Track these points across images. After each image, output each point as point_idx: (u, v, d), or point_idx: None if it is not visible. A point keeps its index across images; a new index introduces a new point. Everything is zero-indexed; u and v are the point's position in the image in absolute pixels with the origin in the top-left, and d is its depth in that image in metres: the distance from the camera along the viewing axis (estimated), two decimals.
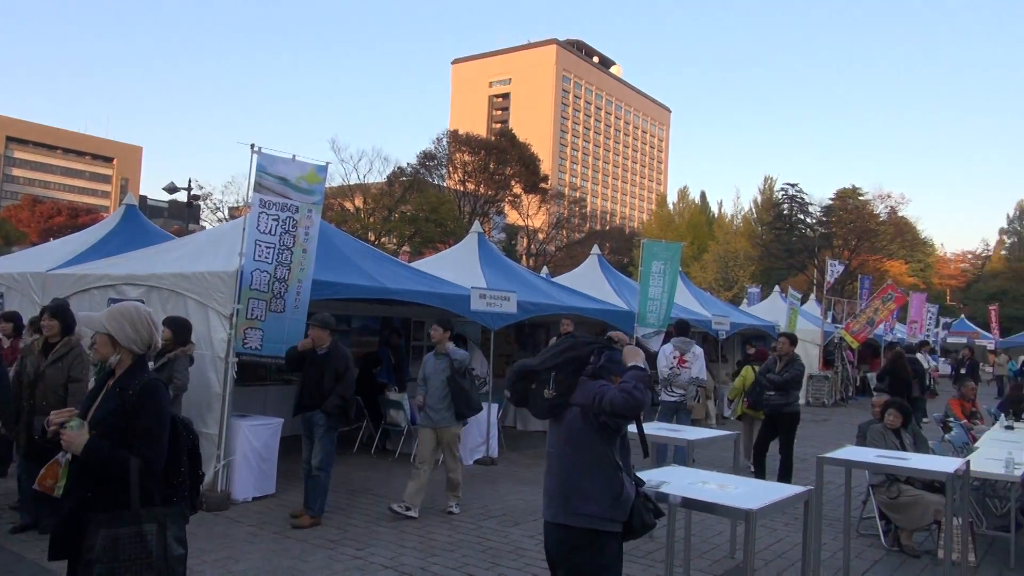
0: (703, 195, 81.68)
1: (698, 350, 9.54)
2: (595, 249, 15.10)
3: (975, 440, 8.90)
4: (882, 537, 6.79)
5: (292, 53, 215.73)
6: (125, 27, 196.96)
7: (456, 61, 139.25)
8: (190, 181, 29.44)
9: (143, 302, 6.32)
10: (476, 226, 12.42)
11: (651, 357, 13.16)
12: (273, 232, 7.26)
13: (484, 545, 6.27)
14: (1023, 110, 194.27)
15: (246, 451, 7.29)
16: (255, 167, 7.26)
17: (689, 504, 3.69)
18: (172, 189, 28.03)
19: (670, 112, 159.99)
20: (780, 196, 60.39)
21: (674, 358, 9.34)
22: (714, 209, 77.03)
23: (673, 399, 9.16)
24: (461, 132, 51.03)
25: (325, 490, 6.66)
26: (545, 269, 21.10)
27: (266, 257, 7.22)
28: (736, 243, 58.14)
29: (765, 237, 58.79)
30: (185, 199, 29.93)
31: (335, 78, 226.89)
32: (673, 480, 3.96)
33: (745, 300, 29.24)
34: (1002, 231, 79.65)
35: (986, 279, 62.98)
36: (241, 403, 8.19)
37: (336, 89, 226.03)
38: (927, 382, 20.45)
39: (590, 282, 13.75)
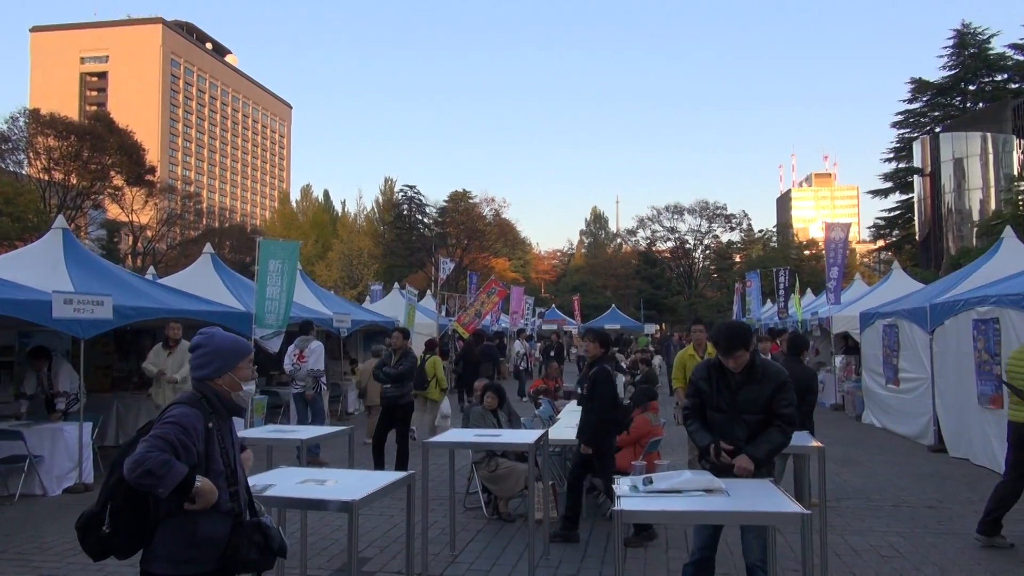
0: (327, 194, 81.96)
1: (315, 345, 11.01)
2: (208, 248, 14.19)
3: (559, 412, 10.33)
4: (484, 508, 7.51)
5: None
6: None
7: (36, 29, 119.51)
8: None
9: None
10: (60, 221, 10.76)
11: (272, 358, 12.88)
12: None
13: None
14: (598, 127, 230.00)
15: None
16: None
17: (293, 504, 3.67)
18: None
19: (291, 108, 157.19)
20: (400, 197, 63.16)
21: (295, 355, 10.88)
22: (338, 208, 77.75)
23: (298, 391, 10.79)
24: (44, 112, 43.86)
25: None
26: (152, 269, 19.28)
27: None
28: (360, 242, 59.38)
29: (387, 236, 61.03)
30: None
31: None
32: (279, 482, 3.90)
33: (368, 297, 30.06)
34: (582, 232, 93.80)
35: (571, 273, 73.40)
36: None
37: None
38: (520, 364, 23.06)
39: (203, 283, 12.90)
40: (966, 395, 10.01)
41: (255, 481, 4.06)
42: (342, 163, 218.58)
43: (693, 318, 8.85)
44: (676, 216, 65.25)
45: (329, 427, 7.75)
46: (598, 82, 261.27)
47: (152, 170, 48.84)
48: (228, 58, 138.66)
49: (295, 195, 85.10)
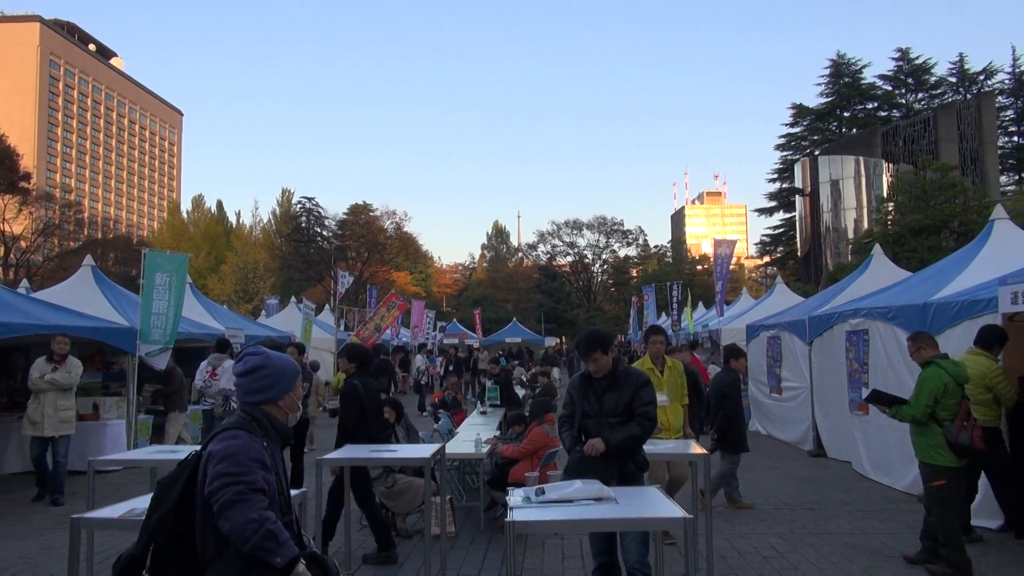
0: (220, 204, 79.06)
1: (229, 364, 10.91)
2: (88, 260, 13.41)
3: (459, 425, 10.34)
4: None
5: None
6: None
7: None
8: None
9: None
10: None
11: (165, 376, 12.30)
12: None
13: None
14: (501, 142, 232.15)
15: None
16: None
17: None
18: None
19: (182, 115, 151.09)
20: (298, 209, 61.72)
21: (207, 372, 10.85)
22: (232, 219, 75.27)
23: (208, 407, 10.95)
24: None
25: None
26: (25, 282, 18.10)
27: None
28: (255, 255, 57.62)
29: (284, 249, 59.51)
30: None
31: None
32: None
33: (264, 312, 29.19)
34: (484, 247, 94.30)
35: (473, 287, 73.51)
36: None
37: None
38: (420, 379, 22.94)
39: (83, 297, 12.19)
40: (841, 402, 10.66)
41: (133, 505, 3.89)
42: (237, 173, 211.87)
43: (650, 327, 7.79)
44: (575, 231, 66.67)
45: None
46: (501, 98, 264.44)
47: (27, 177, 45.85)
48: (113, 61, 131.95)
49: (186, 205, 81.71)
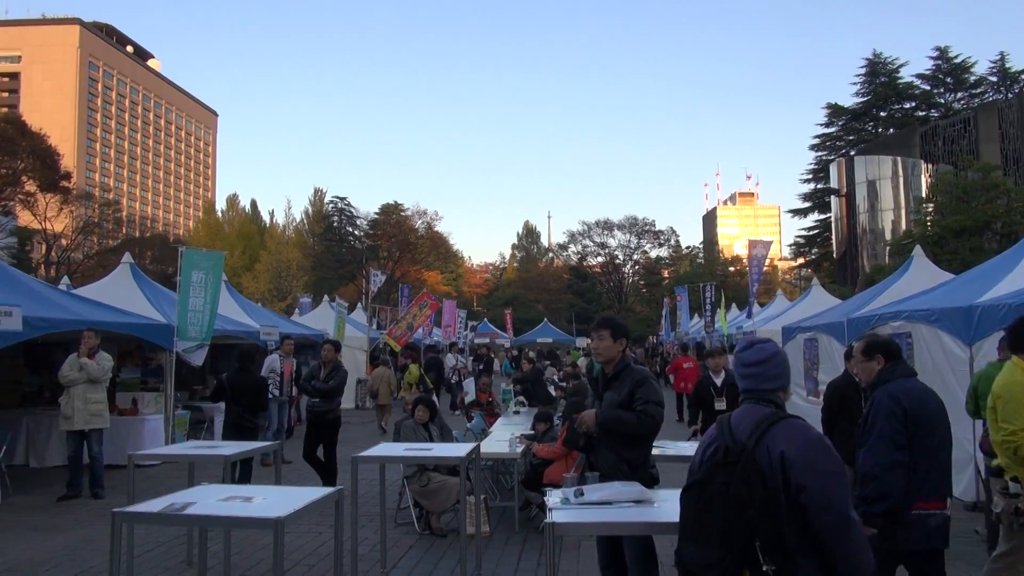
0: (254, 203, 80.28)
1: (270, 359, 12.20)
2: (127, 257, 13.65)
3: (491, 426, 10.30)
4: (416, 523, 7.40)
5: None
6: None
7: None
8: None
9: None
10: None
11: (195, 373, 12.48)
12: None
13: None
14: (531, 141, 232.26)
15: None
16: None
17: (215, 522, 3.53)
18: None
19: (217, 115, 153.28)
20: (330, 208, 62.20)
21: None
22: (265, 219, 76.23)
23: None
24: None
25: None
26: (66, 279, 18.46)
27: None
28: (288, 253, 58.26)
29: (316, 248, 60.03)
30: None
31: None
32: (199, 500, 3.74)
33: (297, 310, 29.46)
34: (514, 247, 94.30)
35: (503, 287, 73.53)
36: None
37: None
38: (452, 378, 22.97)
39: (122, 293, 12.41)
40: None
41: (172, 500, 3.89)
42: (270, 173, 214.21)
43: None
44: (606, 232, 66.25)
45: (259, 442, 7.52)
46: (532, 98, 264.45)
47: (67, 176, 46.90)
48: (150, 62, 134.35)
49: (220, 205, 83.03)
